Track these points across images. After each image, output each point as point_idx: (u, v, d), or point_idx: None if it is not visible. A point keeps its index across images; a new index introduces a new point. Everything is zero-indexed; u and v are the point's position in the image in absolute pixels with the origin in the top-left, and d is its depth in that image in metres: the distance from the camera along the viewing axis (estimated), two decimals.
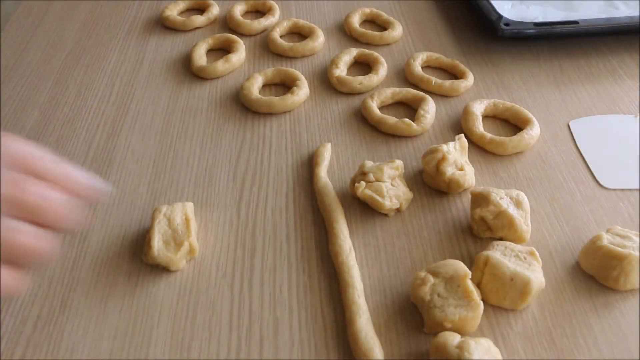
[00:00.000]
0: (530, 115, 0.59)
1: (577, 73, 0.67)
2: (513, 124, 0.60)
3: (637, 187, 0.53)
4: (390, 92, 0.62)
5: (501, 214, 0.46)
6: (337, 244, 0.47)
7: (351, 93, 0.64)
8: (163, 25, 0.75)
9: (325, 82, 0.66)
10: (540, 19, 0.70)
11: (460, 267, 0.42)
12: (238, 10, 0.76)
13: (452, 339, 0.38)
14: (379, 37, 0.72)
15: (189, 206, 0.49)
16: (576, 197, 0.53)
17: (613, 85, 0.66)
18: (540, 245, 0.48)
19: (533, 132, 0.57)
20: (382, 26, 0.75)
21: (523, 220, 0.47)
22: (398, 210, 0.51)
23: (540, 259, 0.45)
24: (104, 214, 0.51)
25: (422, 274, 0.43)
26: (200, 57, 0.68)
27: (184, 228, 0.47)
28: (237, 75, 0.68)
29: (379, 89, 0.63)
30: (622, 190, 0.53)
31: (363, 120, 0.61)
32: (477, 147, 0.57)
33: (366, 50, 0.69)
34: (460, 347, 0.37)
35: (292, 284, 0.46)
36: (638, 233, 0.46)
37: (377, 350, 0.40)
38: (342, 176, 0.55)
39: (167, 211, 0.48)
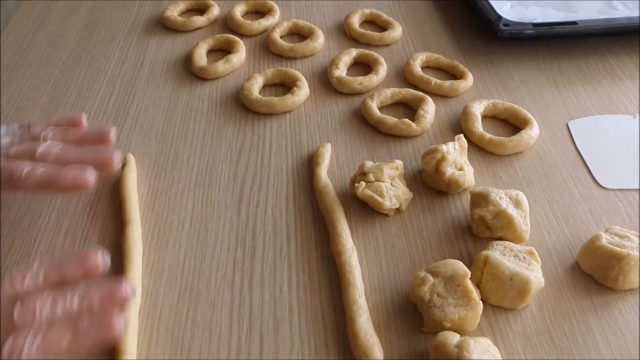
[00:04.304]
0: (530, 116, 0.59)
1: (576, 73, 0.68)
2: (512, 124, 0.60)
3: (636, 187, 0.53)
4: (390, 93, 0.62)
5: (500, 214, 0.46)
6: (340, 243, 0.47)
7: (351, 93, 0.64)
8: (163, 25, 0.76)
9: (325, 83, 0.66)
10: (540, 20, 0.70)
11: (460, 266, 0.42)
12: (238, 10, 0.76)
13: (452, 338, 0.39)
14: (378, 37, 0.72)
15: None
16: (575, 197, 0.53)
17: (612, 85, 0.66)
18: (539, 245, 0.48)
19: (532, 132, 0.57)
20: (382, 27, 0.75)
21: (522, 220, 0.47)
22: (398, 210, 0.51)
23: (539, 259, 0.45)
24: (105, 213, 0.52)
25: (422, 273, 0.43)
26: (201, 57, 0.68)
27: None
28: (238, 75, 0.68)
29: (378, 89, 0.63)
30: (621, 190, 0.53)
31: (363, 120, 0.61)
32: (477, 147, 0.57)
33: (366, 51, 0.69)
34: (459, 346, 0.37)
35: (292, 284, 0.46)
36: (637, 233, 0.46)
37: (377, 350, 0.40)
38: (342, 176, 0.55)
39: None
